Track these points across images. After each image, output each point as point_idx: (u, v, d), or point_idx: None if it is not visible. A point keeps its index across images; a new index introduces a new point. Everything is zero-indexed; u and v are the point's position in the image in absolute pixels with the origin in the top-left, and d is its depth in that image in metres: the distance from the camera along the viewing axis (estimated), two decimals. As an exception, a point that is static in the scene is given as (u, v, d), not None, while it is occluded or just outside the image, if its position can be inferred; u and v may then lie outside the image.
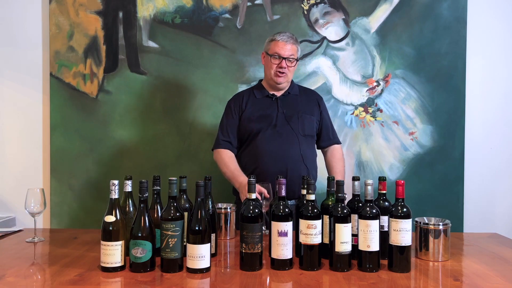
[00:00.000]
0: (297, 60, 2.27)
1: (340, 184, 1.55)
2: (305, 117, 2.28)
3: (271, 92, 2.32)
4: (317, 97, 2.41)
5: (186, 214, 1.61)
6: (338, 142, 2.44)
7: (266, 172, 2.16)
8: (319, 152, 2.44)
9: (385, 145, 2.86)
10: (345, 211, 1.52)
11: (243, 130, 2.30)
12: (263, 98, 2.32)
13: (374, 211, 1.53)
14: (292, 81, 2.36)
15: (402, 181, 1.59)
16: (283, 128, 2.24)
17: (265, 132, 2.24)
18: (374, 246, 1.52)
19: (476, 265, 1.63)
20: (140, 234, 1.51)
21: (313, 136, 2.33)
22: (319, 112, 2.36)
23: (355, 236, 1.58)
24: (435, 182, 2.83)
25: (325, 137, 2.39)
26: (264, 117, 2.27)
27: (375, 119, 2.86)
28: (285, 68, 2.21)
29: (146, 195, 1.55)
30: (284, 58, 2.20)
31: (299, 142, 2.24)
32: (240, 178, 2.16)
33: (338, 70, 2.87)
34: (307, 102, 2.34)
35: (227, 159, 2.27)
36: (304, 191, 1.72)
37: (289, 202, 2.10)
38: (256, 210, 1.53)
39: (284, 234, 1.52)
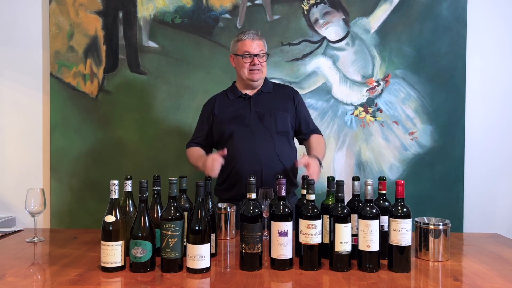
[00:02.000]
0: (267, 54, 2.26)
1: (340, 184, 1.55)
2: (277, 114, 2.25)
3: (244, 92, 2.31)
4: (292, 92, 2.37)
5: (186, 214, 1.61)
6: (318, 132, 2.38)
7: (242, 172, 2.14)
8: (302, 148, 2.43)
9: (385, 145, 2.86)
10: (345, 211, 1.52)
11: (217, 132, 2.30)
12: (236, 98, 2.31)
13: (374, 211, 1.53)
14: (265, 78, 2.34)
15: (402, 181, 1.59)
16: (256, 127, 2.22)
17: (238, 133, 2.22)
18: (374, 246, 1.52)
19: (476, 265, 1.63)
20: (140, 234, 1.51)
21: (287, 132, 2.27)
22: (294, 107, 2.31)
23: (355, 236, 1.58)
24: (435, 182, 2.83)
25: (304, 130, 2.34)
26: (236, 117, 2.26)
27: (375, 119, 2.86)
28: (258, 64, 2.21)
29: (146, 195, 1.55)
30: (255, 55, 2.20)
31: (273, 140, 2.21)
32: (202, 158, 2.21)
33: (338, 70, 2.87)
34: (281, 99, 2.31)
35: (192, 151, 2.35)
36: (304, 191, 1.72)
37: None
38: (256, 210, 1.53)
39: (284, 234, 1.52)
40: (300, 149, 2.45)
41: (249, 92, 2.31)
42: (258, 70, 2.22)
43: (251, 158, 2.18)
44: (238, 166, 2.19)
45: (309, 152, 2.31)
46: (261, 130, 2.22)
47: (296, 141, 2.41)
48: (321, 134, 2.39)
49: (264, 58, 2.25)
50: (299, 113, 2.32)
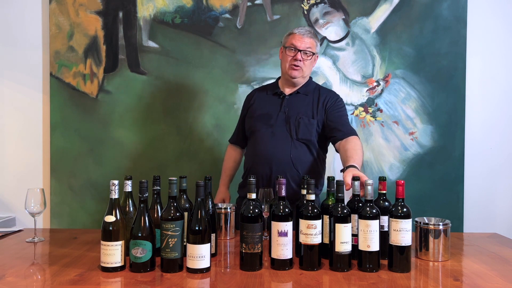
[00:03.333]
0: (314, 54, 2.18)
1: (340, 184, 1.55)
2: (302, 121, 2.16)
3: (282, 89, 2.25)
4: (328, 97, 2.23)
5: (186, 214, 1.61)
6: (353, 134, 2.12)
7: (254, 172, 2.13)
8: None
9: (385, 145, 2.86)
10: (345, 211, 1.52)
11: (247, 126, 2.32)
12: (272, 95, 2.27)
13: (374, 211, 1.53)
14: (311, 79, 2.28)
15: (402, 181, 1.59)
16: (279, 129, 2.18)
17: (261, 132, 2.22)
18: (374, 246, 1.52)
19: (476, 265, 1.63)
20: (140, 234, 1.51)
21: (309, 140, 2.17)
22: (323, 112, 2.18)
23: (355, 236, 1.58)
24: (435, 182, 2.83)
25: (335, 133, 2.14)
26: (264, 115, 2.23)
27: (375, 119, 2.86)
28: (300, 60, 2.13)
29: (146, 195, 1.55)
30: (300, 51, 2.13)
31: (291, 146, 2.15)
32: (220, 187, 2.45)
33: (338, 70, 2.87)
34: (314, 104, 2.20)
35: (226, 157, 2.48)
36: (304, 191, 1.72)
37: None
38: (256, 210, 1.53)
39: (284, 234, 1.52)
40: (330, 161, 2.42)
41: (287, 90, 2.25)
42: (298, 66, 2.14)
43: (265, 159, 2.17)
44: (254, 164, 2.21)
45: (344, 159, 2.00)
46: (282, 133, 2.18)
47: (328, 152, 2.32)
48: (355, 134, 2.13)
49: (310, 57, 2.16)
50: (329, 117, 2.18)
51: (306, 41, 2.14)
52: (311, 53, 2.16)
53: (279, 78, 2.33)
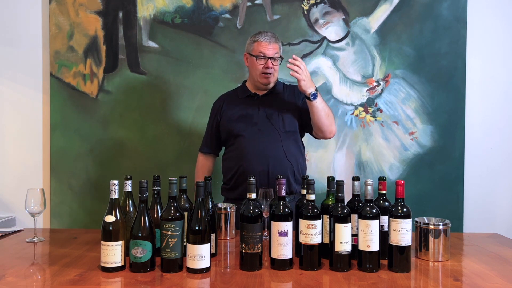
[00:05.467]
0: (281, 58, 2.25)
1: (340, 184, 1.55)
2: (285, 114, 2.25)
3: (254, 92, 2.32)
4: (297, 91, 2.25)
5: (186, 214, 1.61)
6: None
7: (249, 171, 2.12)
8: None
9: (385, 145, 2.86)
10: (345, 211, 1.52)
11: (225, 131, 2.32)
12: (245, 98, 2.32)
13: (374, 211, 1.53)
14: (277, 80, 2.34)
15: (402, 181, 1.59)
16: (264, 126, 2.24)
17: (246, 131, 2.24)
18: (374, 246, 1.52)
19: (476, 265, 1.63)
20: (140, 234, 1.51)
21: (295, 132, 2.28)
22: (300, 102, 2.29)
23: (355, 236, 1.58)
24: (435, 182, 2.83)
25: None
26: (244, 116, 2.27)
27: (375, 119, 2.86)
28: (271, 68, 2.20)
29: (146, 195, 1.55)
30: (270, 58, 2.19)
31: (281, 139, 2.22)
32: None
33: (338, 70, 2.87)
34: (289, 99, 2.31)
35: (199, 167, 2.44)
36: (304, 191, 1.72)
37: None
38: (256, 210, 1.53)
39: (284, 234, 1.52)
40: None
41: (259, 92, 2.32)
42: (271, 74, 2.22)
43: (259, 157, 2.19)
44: (245, 165, 2.20)
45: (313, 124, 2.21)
46: (269, 129, 2.23)
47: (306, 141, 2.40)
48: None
49: (278, 62, 2.24)
50: (303, 108, 2.26)
51: (273, 47, 2.20)
52: (279, 58, 2.23)
53: (245, 81, 2.39)
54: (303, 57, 2.84)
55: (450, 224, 1.70)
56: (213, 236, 1.66)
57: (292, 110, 2.28)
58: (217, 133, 2.37)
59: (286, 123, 2.25)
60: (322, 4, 2.85)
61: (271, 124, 2.24)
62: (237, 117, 2.28)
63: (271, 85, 2.29)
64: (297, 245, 1.64)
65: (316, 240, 1.52)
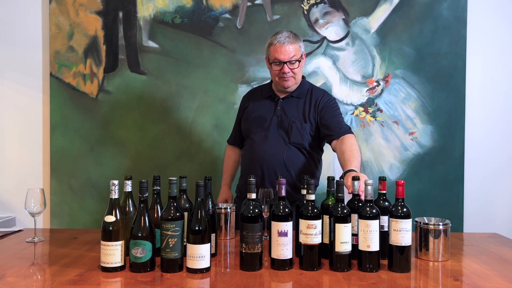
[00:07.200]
0: (300, 59, 2.12)
1: (340, 184, 1.55)
2: (295, 125, 2.16)
3: (275, 93, 2.25)
4: (320, 98, 2.20)
5: (186, 214, 1.61)
6: (347, 132, 2.10)
7: (249, 175, 2.11)
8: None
9: (385, 145, 2.86)
10: (345, 211, 1.52)
11: (243, 128, 2.33)
12: (266, 98, 2.26)
13: (374, 211, 1.53)
14: (303, 79, 2.24)
15: (402, 181, 1.59)
16: (272, 133, 2.18)
17: (255, 135, 2.22)
18: (374, 246, 1.52)
19: (476, 265, 1.63)
20: (140, 234, 1.51)
21: (301, 144, 2.16)
22: (316, 114, 2.17)
23: (355, 236, 1.58)
24: (435, 182, 2.83)
25: (329, 132, 2.14)
26: (258, 119, 2.23)
27: (375, 119, 2.86)
28: (288, 72, 2.10)
29: (146, 195, 1.55)
30: (285, 63, 2.08)
31: (285, 150, 2.15)
32: (222, 187, 2.43)
33: (338, 70, 2.87)
34: (306, 107, 2.19)
35: (226, 158, 2.48)
36: (304, 191, 1.72)
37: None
38: (256, 210, 1.53)
39: (284, 234, 1.52)
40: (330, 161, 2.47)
41: (281, 94, 2.23)
42: (288, 77, 2.12)
43: (258, 162, 2.18)
44: (248, 168, 2.22)
45: (342, 163, 1.99)
46: (275, 137, 2.18)
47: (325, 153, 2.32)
48: (352, 133, 2.12)
49: (296, 65, 2.11)
50: (322, 119, 2.16)
51: (287, 50, 2.07)
52: (296, 61, 2.11)
53: (271, 81, 2.29)
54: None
55: (450, 224, 1.70)
56: (213, 236, 1.66)
57: (304, 121, 2.17)
58: (240, 128, 2.37)
59: (292, 135, 2.15)
60: (322, 4, 2.85)
61: (278, 134, 2.17)
62: (252, 118, 2.26)
63: (293, 87, 2.19)
64: (297, 245, 1.64)
65: (316, 240, 1.52)
